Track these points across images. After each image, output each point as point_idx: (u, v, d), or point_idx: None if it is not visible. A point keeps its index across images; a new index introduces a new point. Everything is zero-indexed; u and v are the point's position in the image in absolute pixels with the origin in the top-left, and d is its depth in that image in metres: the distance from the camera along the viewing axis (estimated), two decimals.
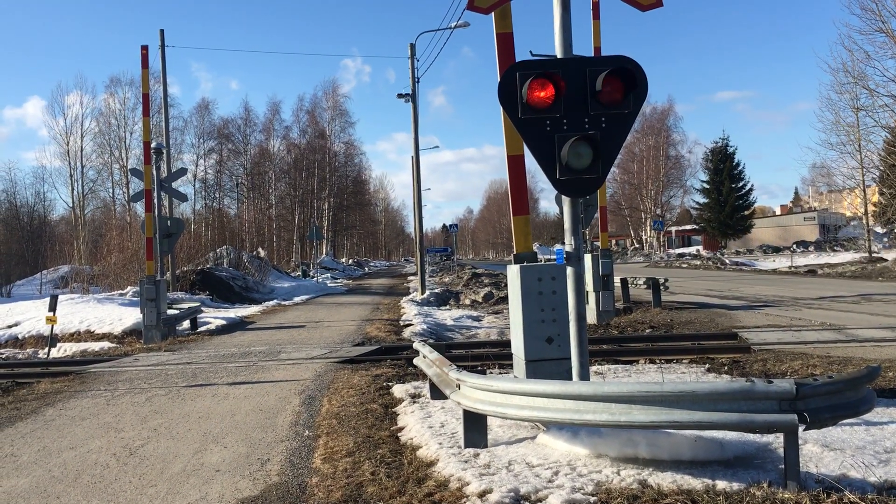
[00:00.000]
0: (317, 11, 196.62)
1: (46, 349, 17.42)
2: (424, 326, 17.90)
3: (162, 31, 32.08)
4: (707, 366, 10.56)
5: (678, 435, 5.60)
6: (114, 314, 20.86)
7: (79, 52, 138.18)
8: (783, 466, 4.99)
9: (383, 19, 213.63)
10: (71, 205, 60.91)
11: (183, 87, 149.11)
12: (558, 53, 6.74)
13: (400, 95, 31.68)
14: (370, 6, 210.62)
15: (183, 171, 28.28)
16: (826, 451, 5.69)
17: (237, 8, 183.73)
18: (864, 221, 47.63)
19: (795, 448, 4.85)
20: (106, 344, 18.22)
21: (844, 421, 5.57)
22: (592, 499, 4.94)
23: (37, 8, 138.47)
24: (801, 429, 4.80)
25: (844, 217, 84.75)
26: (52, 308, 17.05)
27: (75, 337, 19.32)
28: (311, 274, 49.47)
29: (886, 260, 38.79)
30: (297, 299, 31.23)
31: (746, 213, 72.14)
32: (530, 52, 6.76)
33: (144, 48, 19.69)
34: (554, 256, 8.06)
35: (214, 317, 22.46)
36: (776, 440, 5.84)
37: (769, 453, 5.73)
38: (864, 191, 45.07)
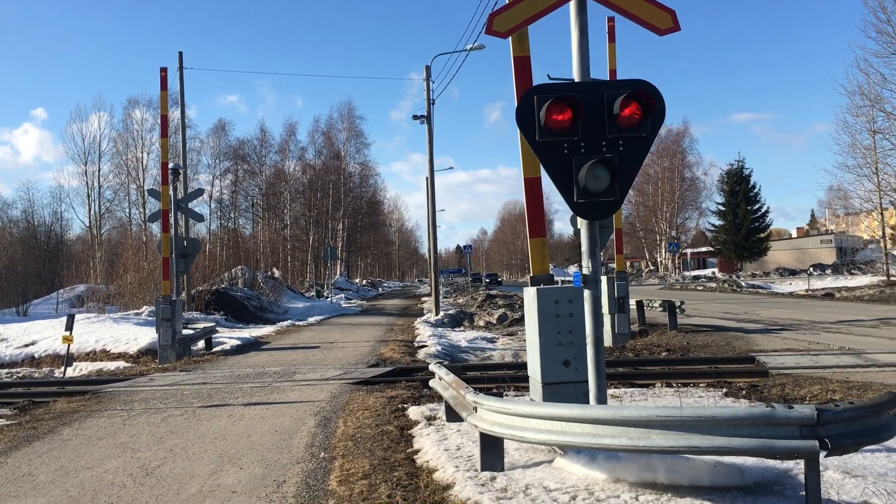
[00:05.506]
0: (332, 34, 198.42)
1: (62, 368, 17.51)
2: (439, 348, 17.87)
3: (180, 54, 32.42)
4: (724, 390, 10.47)
5: (697, 460, 5.55)
6: (129, 334, 20.97)
7: (98, 72, 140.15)
8: (804, 493, 4.93)
9: (394, 40, 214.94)
10: (87, 224, 61.58)
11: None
12: (576, 77, 6.77)
13: (415, 117, 31.85)
14: (386, 29, 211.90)
15: (200, 192, 28.57)
16: (847, 477, 5.62)
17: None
18: (882, 245, 47.28)
19: (816, 475, 4.79)
20: (122, 363, 18.30)
21: (866, 447, 5.50)
22: None
23: (63, 28, 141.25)
24: (822, 455, 4.74)
25: (862, 240, 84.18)
26: (69, 327, 17.15)
27: (91, 356, 19.43)
28: (325, 294, 49.59)
29: None
30: (311, 320, 31.29)
31: (762, 235, 71.80)
32: (548, 75, 6.83)
33: (163, 70, 19.88)
34: (568, 278, 8.07)
35: (229, 337, 22.53)
36: (796, 466, 5.77)
37: (789, 479, 5.66)
38: (882, 214, 44.79)
